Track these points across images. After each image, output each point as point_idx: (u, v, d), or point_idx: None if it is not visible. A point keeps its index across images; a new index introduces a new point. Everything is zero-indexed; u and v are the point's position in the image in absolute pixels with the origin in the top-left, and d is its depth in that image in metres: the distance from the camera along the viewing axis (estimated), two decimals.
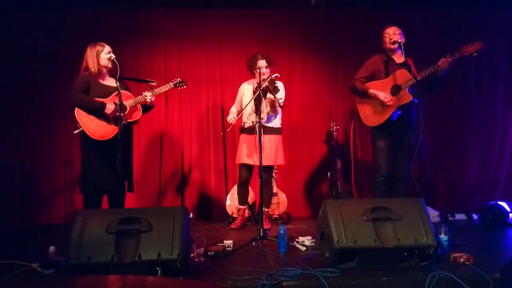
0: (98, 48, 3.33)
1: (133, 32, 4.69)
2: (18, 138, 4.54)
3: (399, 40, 3.53)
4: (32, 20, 4.58)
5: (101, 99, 3.27)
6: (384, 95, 3.52)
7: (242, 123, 3.96)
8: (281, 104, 3.59)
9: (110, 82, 3.36)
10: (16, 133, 4.54)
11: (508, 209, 4.09)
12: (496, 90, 4.95)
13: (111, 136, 3.24)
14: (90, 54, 3.33)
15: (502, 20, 4.95)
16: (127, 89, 3.48)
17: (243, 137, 3.95)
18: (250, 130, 3.83)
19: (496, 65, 4.96)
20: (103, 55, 3.32)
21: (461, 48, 3.36)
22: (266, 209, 4.02)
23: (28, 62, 4.55)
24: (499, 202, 4.16)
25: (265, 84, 3.61)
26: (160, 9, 4.76)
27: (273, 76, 3.68)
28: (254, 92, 3.86)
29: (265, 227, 3.71)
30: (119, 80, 3.36)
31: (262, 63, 3.78)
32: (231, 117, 3.85)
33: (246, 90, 3.97)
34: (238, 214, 4.07)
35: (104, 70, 3.36)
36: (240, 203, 4.06)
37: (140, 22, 4.73)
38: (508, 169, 4.91)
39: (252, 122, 3.78)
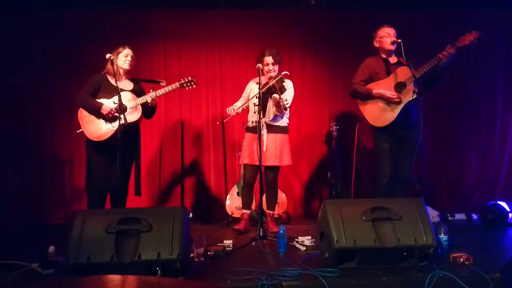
0: (119, 49, 3.45)
1: (132, 33, 4.69)
2: (18, 138, 4.54)
3: (399, 40, 3.51)
4: (31, 20, 4.58)
5: (104, 100, 3.35)
6: (391, 93, 3.46)
7: (249, 122, 3.82)
8: (286, 105, 3.44)
9: (125, 84, 3.47)
10: (15, 133, 4.53)
11: (508, 209, 4.09)
12: (495, 90, 4.96)
13: (108, 137, 3.30)
14: (112, 54, 3.40)
15: (501, 20, 4.95)
16: (142, 91, 3.55)
17: (248, 136, 3.81)
18: (255, 129, 3.69)
19: (496, 64, 4.96)
20: (121, 56, 3.43)
21: (460, 37, 3.37)
22: (271, 212, 3.86)
23: (28, 62, 4.56)
24: (498, 202, 4.17)
25: (272, 82, 3.54)
26: (159, 10, 4.76)
27: (282, 74, 3.59)
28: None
29: (273, 230, 3.65)
30: (136, 82, 3.55)
31: (268, 59, 3.68)
32: (231, 109, 3.72)
33: (254, 88, 3.80)
34: (242, 218, 3.87)
35: (121, 71, 3.46)
36: (244, 207, 3.87)
37: (139, 22, 4.73)
38: (507, 169, 4.91)
39: (253, 122, 3.69)
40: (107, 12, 4.68)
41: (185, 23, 4.79)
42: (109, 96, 3.36)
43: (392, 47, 3.56)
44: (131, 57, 3.47)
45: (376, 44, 3.65)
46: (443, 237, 2.94)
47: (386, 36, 3.56)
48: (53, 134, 4.59)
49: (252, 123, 3.75)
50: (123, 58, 3.45)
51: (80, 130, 3.36)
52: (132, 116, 3.36)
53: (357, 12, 4.89)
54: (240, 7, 4.83)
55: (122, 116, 3.18)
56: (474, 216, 4.41)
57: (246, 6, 4.84)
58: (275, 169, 3.78)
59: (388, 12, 4.74)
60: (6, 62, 4.51)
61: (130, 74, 3.56)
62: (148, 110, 3.51)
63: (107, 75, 3.44)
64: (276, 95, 3.52)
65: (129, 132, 3.35)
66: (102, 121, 3.34)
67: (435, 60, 3.39)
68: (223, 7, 4.80)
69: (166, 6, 4.75)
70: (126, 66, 3.46)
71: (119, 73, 3.44)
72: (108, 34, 4.52)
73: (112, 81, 3.37)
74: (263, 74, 3.72)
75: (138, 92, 3.50)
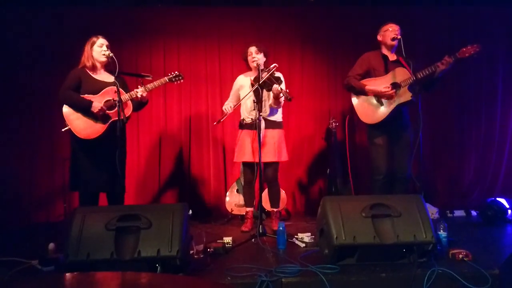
0: (93, 40, 3.27)
1: (132, 30, 4.69)
2: (17, 136, 4.54)
3: (399, 36, 3.51)
4: (30, 18, 4.57)
5: (90, 96, 3.18)
6: (384, 86, 3.47)
7: (241, 119, 3.78)
8: (289, 96, 3.36)
9: (104, 77, 3.30)
10: (15, 131, 4.54)
11: (507, 206, 4.10)
12: (495, 87, 4.96)
13: (98, 135, 3.15)
14: (86, 46, 3.28)
15: (502, 18, 4.95)
16: (125, 84, 3.36)
17: (244, 133, 3.71)
18: (251, 126, 3.62)
19: (495, 62, 4.96)
20: (95, 47, 3.25)
21: (460, 49, 3.37)
22: (276, 209, 3.78)
23: (27, 60, 4.55)
24: (498, 199, 4.17)
25: (267, 75, 3.46)
26: (159, 6, 4.75)
27: (271, 66, 3.51)
28: (252, 85, 3.59)
29: (275, 228, 3.58)
30: (116, 75, 3.26)
31: (252, 49, 3.67)
32: (228, 107, 3.63)
33: (244, 83, 3.75)
34: (246, 217, 3.80)
35: (98, 63, 3.27)
36: (247, 205, 3.83)
37: (139, 19, 4.73)
38: (507, 166, 4.92)
39: (251, 119, 3.64)
40: (107, 9, 4.67)
41: (185, 20, 4.78)
42: (89, 91, 3.18)
43: (393, 43, 3.56)
44: (107, 46, 3.24)
45: (380, 38, 3.66)
46: (442, 233, 2.94)
47: (390, 30, 3.58)
48: (52, 131, 4.57)
49: (248, 119, 3.70)
50: (99, 49, 3.23)
51: (67, 128, 3.18)
52: (125, 111, 3.19)
53: (356, 9, 4.88)
54: (239, 4, 4.82)
55: (120, 111, 3.03)
56: (473, 213, 4.42)
57: (245, 3, 4.83)
58: (274, 165, 3.70)
59: (387, 9, 4.74)
60: (4, 60, 4.49)
61: (108, 66, 3.30)
62: (139, 104, 3.38)
63: (86, 69, 3.25)
64: (276, 86, 3.44)
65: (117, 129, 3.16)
66: (90, 119, 3.16)
67: (432, 68, 3.40)
68: (223, 4, 4.80)
69: (165, 3, 4.74)
70: (102, 58, 3.24)
71: (97, 66, 3.26)
72: (107, 32, 4.45)
73: (93, 75, 3.25)
74: (249, 66, 3.73)
75: (121, 84, 3.26)
